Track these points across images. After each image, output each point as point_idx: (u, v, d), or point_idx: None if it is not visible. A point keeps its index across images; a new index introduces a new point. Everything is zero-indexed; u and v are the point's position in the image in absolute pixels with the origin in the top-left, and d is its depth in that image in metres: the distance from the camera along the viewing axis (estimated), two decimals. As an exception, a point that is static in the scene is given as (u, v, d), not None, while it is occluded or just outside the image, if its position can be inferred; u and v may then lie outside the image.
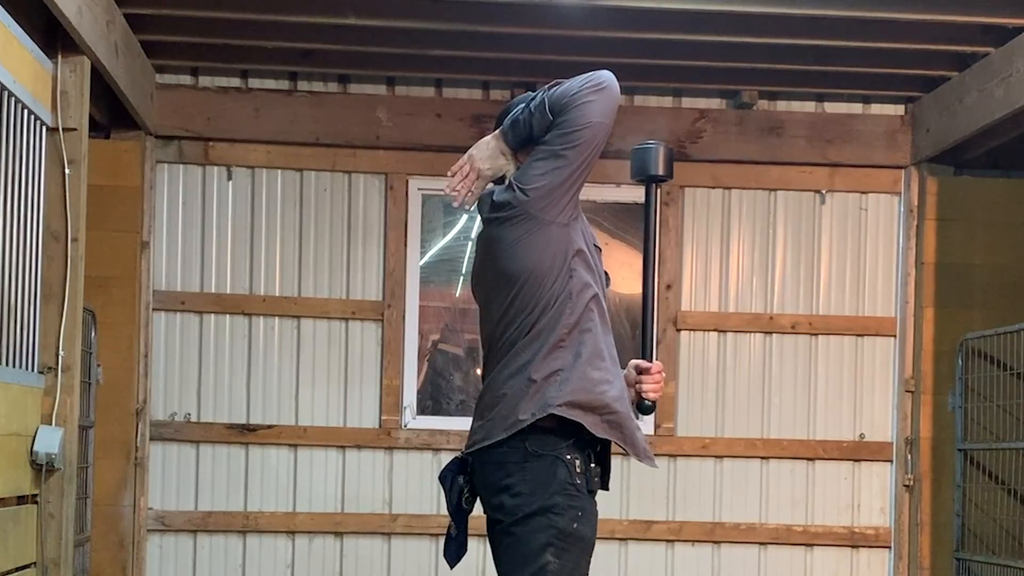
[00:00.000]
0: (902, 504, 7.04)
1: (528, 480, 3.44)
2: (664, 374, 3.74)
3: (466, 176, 3.59)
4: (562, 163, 3.41)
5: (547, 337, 3.45)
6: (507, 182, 3.51)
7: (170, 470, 6.91)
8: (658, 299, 6.99)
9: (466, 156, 3.61)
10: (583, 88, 3.39)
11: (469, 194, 3.58)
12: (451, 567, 3.71)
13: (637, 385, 3.67)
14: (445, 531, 7.06)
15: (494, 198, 3.51)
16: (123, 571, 6.60)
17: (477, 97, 7.08)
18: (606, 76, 3.42)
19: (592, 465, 3.47)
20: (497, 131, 3.60)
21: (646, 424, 7.02)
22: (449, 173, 3.60)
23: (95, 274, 6.00)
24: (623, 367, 3.73)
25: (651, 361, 3.69)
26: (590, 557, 3.52)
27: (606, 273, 3.71)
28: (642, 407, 3.69)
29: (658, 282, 6.98)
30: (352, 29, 6.27)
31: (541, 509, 3.41)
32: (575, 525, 3.42)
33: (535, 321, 3.45)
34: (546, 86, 3.48)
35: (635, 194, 7.01)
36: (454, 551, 3.67)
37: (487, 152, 3.60)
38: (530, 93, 3.59)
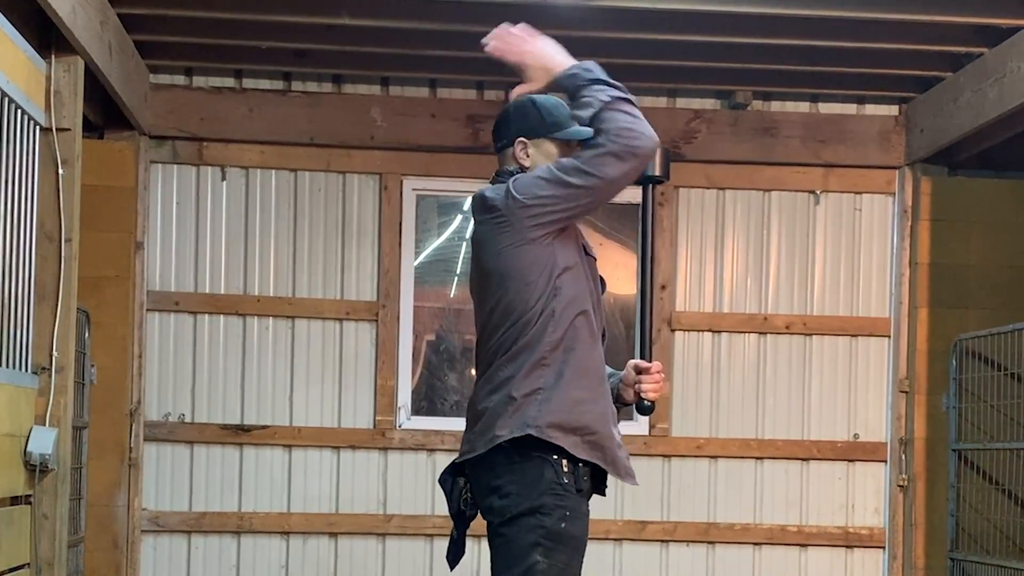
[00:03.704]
0: (896, 504, 7.04)
1: (516, 481, 3.45)
2: (663, 374, 3.72)
3: (510, 45, 3.64)
4: (565, 195, 3.39)
5: (529, 354, 3.45)
6: (505, 186, 3.49)
7: (164, 471, 6.89)
8: (654, 299, 6.98)
9: (528, 36, 3.63)
10: (624, 137, 3.34)
11: (497, 49, 3.61)
12: (451, 568, 3.72)
13: (636, 385, 3.66)
14: (439, 532, 7.11)
15: (487, 196, 3.51)
16: (117, 572, 6.59)
17: (471, 97, 7.07)
18: (648, 142, 3.36)
19: (580, 464, 3.48)
20: (561, 67, 3.52)
21: (641, 424, 7.03)
22: (501, 32, 3.66)
23: (89, 274, 6.00)
24: (620, 367, 3.73)
25: (650, 361, 3.68)
26: (582, 557, 3.52)
27: (601, 279, 3.70)
28: (641, 407, 3.69)
29: (655, 283, 6.98)
30: (346, 29, 6.26)
31: (529, 509, 3.42)
32: (563, 525, 3.43)
33: (517, 336, 3.46)
34: (609, 92, 3.41)
35: (629, 194, 6.96)
36: (455, 553, 3.68)
37: (542, 61, 3.56)
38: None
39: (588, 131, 3.52)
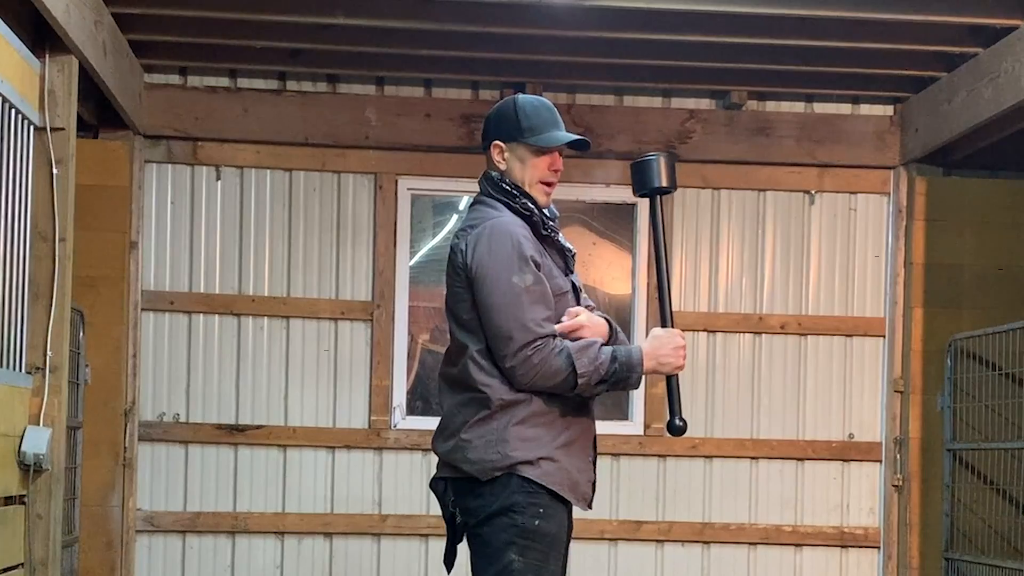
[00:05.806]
0: (891, 504, 7.04)
1: (489, 481, 3.49)
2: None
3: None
4: (492, 310, 3.47)
5: (483, 402, 3.52)
6: (469, 251, 3.54)
7: (159, 471, 6.89)
8: (649, 299, 6.99)
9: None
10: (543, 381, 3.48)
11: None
12: (447, 571, 3.75)
13: None
14: (434, 531, 7.11)
15: (464, 245, 3.56)
16: (111, 572, 6.58)
17: (466, 97, 7.07)
18: (565, 384, 3.50)
19: None
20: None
21: (636, 424, 7.03)
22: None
23: (83, 274, 5.99)
24: None
25: None
26: (559, 554, 3.53)
27: (575, 286, 3.74)
28: (672, 428, 3.79)
29: (649, 283, 6.99)
30: (341, 29, 6.26)
31: (502, 508, 3.45)
32: (537, 522, 3.45)
33: (471, 384, 3.54)
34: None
35: (625, 194, 7.02)
36: (449, 556, 3.71)
37: None
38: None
39: (564, 137, 3.57)
